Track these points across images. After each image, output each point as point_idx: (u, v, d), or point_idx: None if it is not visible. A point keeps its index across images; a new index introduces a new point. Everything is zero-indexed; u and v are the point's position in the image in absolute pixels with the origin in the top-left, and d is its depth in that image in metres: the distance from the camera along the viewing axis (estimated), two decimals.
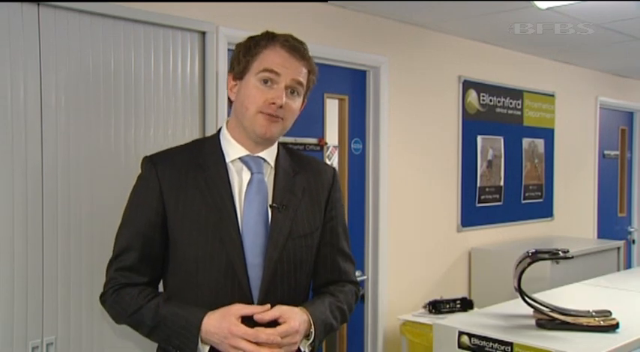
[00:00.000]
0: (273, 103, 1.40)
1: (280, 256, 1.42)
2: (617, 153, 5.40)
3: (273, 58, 1.41)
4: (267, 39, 1.44)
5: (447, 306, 3.15)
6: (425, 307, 3.20)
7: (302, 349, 1.39)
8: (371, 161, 3.19)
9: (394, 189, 3.26)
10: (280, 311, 1.36)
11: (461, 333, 1.79)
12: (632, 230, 5.52)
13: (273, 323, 1.35)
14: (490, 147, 3.90)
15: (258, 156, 1.46)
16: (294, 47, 1.43)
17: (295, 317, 1.35)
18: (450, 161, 3.65)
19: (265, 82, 1.41)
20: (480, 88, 3.81)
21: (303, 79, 1.45)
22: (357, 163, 3.17)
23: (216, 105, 2.37)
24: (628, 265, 5.05)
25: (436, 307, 3.13)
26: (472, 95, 3.76)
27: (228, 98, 1.50)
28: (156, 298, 1.39)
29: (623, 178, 5.50)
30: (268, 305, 1.37)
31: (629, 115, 5.54)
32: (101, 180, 2.04)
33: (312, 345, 1.41)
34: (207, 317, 1.34)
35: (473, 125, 3.76)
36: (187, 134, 2.26)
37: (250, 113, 1.41)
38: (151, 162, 1.45)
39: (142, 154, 1.47)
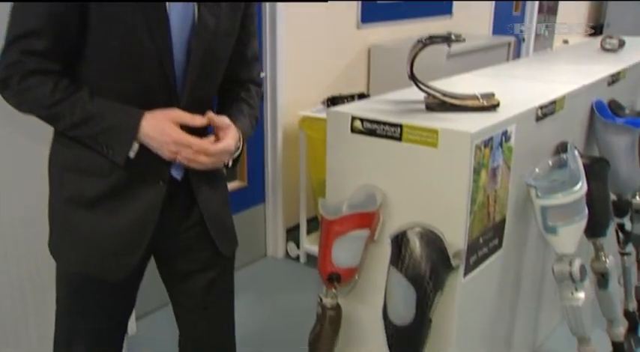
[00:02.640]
0: None
1: (205, 54, 1.33)
2: None
3: None
4: None
5: (345, 101, 3.20)
6: (323, 103, 3.24)
7: (226, 162, 1.39)
8: None
9: None
10: (220, 124, 1.34)
11: (354, 118, 1.83)
12: (523, 28, 5.70)
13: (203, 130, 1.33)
14: None
15: None
16: None
17: (231, 136, 1.34)
18: None
19: None
20: None
21: None
22: None
23: None
24: None
25: (334, 102, 3.18)
26: None
27: None
28: (79, 92, 1.24)
29: None
30: (206, 119, 1.33)
31: None
32: None
33: (235, 160, 1.42)
34: (145, 119, 1.25)
35: None
36: None
37: None
38: None
39: None
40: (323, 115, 3.07)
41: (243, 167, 3.26)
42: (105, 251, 1.34)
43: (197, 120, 1.31)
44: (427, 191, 1.73)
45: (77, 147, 1.30)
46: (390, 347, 1.69)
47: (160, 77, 1.29)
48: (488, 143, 1.73)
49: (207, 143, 1.30)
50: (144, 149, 1.28)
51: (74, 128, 1.26)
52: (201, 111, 1.34)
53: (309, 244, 3.30)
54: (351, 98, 3.22)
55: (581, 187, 1.85)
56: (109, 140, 1.26)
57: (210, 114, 1.35)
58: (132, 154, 1.27)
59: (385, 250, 1.73)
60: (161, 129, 1.26)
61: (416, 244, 1.59)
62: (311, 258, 3.25)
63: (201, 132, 1.34)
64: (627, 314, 2.53)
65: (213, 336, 1.63)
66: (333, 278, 1.73)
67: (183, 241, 1.47)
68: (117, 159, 1.27)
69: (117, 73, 1.27)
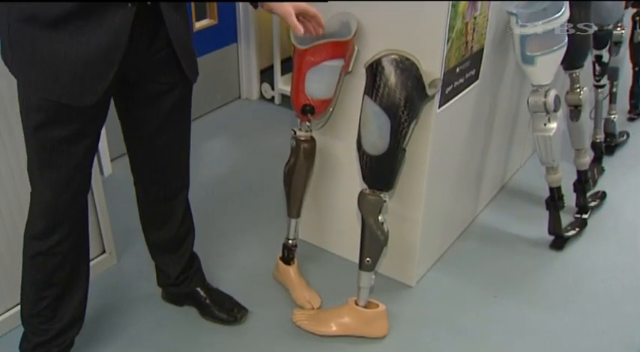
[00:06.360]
0: None
1: None
2: None
3: None
4: None
5: None
6: None
7: None
8: None
9: None
10: None
11: None
12: None
13: None
14: None
15: None
16: None
17: None
18: None
19: None
20: None
21: None
22: None
23: None
24: None
25: None
26: None
27: None
28: None
29: None
30: None
31: None
32: None
33: None
34: None
35: None
36: None
37: None
38: None
39: None
40: None
41: (213, 3, 3.07)
42: (72, 74, 1.28)
43: None
44: (404, 18, 1.65)
45: None
46: (363, 177, 1.71)
47: None
48: None
49: None
50: None
51: None
52: None
53: (284, 85, 3.24)
54: None
55: (564, 13, 1.78)
56: None
57: None
58: None
59: (360, 82, 1.69)
60: None
61: (391, 72, 1.54)
62: (286, 99, 3.20)
63: None
64: (594, 145, 2.60)
65: (171, 160, 1.64)
66: (307, 111, 1.70)
67: (153, 64, 1.43)
68: None
69: None
